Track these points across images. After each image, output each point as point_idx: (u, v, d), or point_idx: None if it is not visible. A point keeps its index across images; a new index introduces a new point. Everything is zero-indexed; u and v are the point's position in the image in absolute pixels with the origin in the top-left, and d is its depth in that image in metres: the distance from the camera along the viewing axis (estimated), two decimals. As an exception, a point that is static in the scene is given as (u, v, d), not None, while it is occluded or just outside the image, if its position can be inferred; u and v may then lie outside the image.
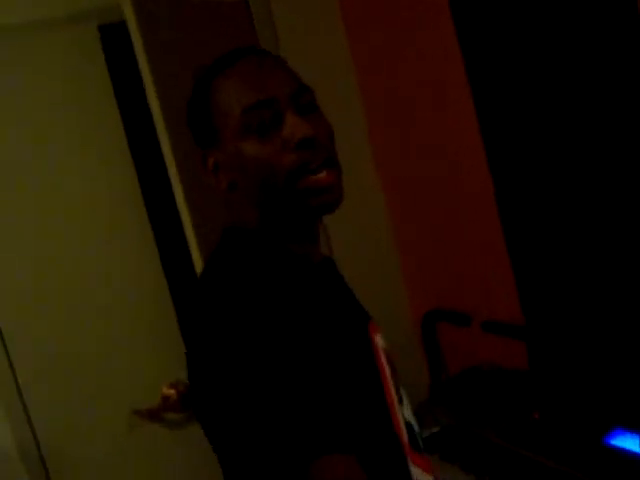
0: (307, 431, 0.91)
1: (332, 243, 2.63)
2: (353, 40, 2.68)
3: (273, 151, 1.06)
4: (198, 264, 2.24)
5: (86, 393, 2.42)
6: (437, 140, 2.45)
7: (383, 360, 1.15)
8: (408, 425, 1.17)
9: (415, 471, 1.15)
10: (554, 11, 1.90)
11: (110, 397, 2.44)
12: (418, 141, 2.55)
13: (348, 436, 0.93)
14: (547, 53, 1.95)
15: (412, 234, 2.73)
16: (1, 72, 2.29)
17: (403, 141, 2.62)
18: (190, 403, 1.19)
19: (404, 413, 1.17)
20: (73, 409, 2.40)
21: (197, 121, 1.15)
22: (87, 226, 2.43)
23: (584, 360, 1.92)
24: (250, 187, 1.10)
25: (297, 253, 1.14)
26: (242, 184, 1.11)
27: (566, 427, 1.79)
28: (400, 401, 1.17)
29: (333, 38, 2.69)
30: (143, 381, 2.46)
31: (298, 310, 1.01)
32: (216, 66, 1.15)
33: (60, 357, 2.40)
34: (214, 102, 1.11)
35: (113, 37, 2.34)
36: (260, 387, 0.94)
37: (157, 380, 2.45)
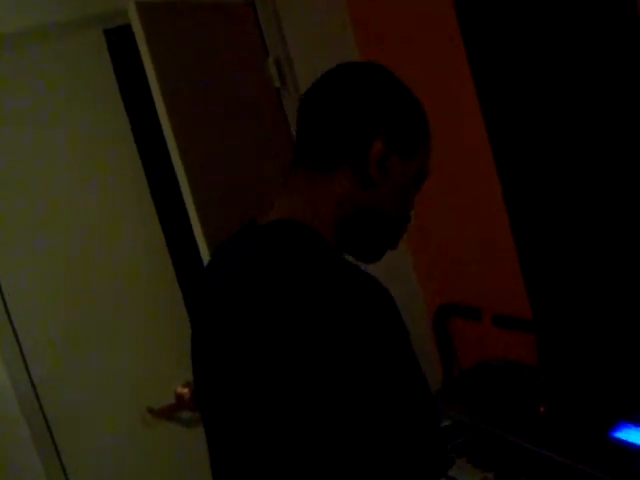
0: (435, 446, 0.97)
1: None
2: (361, 39, 2.68)
3: (409, 210, 1.27)
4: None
5: (101, 392, 2.44)
6: (446, 139, 2.45)
7: None
8: None
9: None
10: (567, 24, 1.89)
11: (125, 396, 2.47)
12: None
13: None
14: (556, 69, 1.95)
15: (423, 231, 2.73)
16: (9, 78, 2.32)
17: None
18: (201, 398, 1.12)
19: None
20: (88, 407, 2.43)
21: (411, 130, 1.20)
22: (99, 227, 2.45)
23: (590, 354, 1.92)
24: (376, 204, 1.19)
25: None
26: (382, 195, 1.18)
27: (572, 421, 1.78)
28: None
29: (341, 37, 2.69)
30: (157, 380, 2.49)
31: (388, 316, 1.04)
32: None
33: (75, 357, 2.43)
34: (427, 147, 1.25)
35: (119, 40, 2.36)
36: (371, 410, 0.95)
37: (171, 379, 2.48)
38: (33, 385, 2.37)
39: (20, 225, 2.38)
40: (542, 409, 1.87)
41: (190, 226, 2.27)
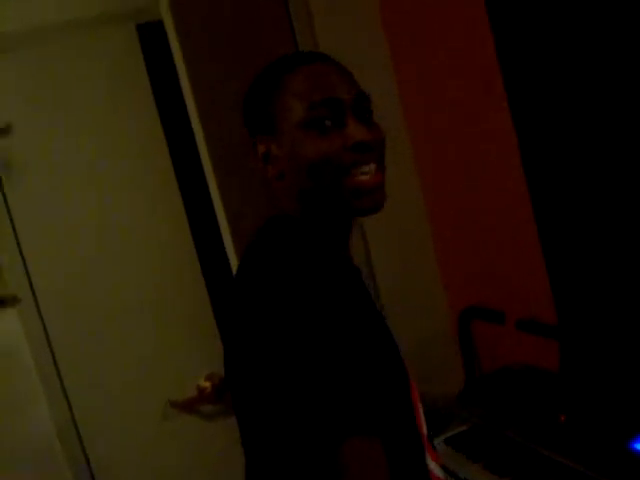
0: (339, 412, 0.96)
1: (369, 244, 2.64)
2: (391, 36, 2.67)
3: (331, 147, 1.12)
4: (233, 259, 2.28)
5: (124, 384, 2.47)
6: (474, 142, 2.44)
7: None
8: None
9: (431, 463, 1.21)
10: (597, 21, 1.86)
11: (147, 388, 2.49)
12: (456, 141, 2.53)
13: (376, 420, 0.98)
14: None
15: (449, 233, 2.72)
16: (39, 72, 2.34)
17: (441, 140, 2.61)
18: (228, 385, 1.21)
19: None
20: (111, 398, 2.46)
21: (257, 110, 1.22)
22: (125, 224, 2.48)
23: (613, 363, 1.90)
24: (299, 178, 1.15)
25: (337, 248, 1.20)
26: (291, 175, 1.16)
27: (591, 431, 1.77)
28: None
29: (372, 35, 2.68)
30: (180, 373, 2.51)
31: (341, 300, 1.05)
32: (286, 63, 1.21)
33: (99, 349, 2.45)
34: (281, 95, 1.17)
35: (151, 36, 2.38)
36: (297, 370, 0.99)
37: (193, 372, 2.49)
38: (62, 383, 2.40)
39: (51, 226, 2.41)
40: (562, 417, 1.85)
41: (216, 221, 2.29)
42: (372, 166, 1.15)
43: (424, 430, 1.22)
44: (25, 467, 2.36)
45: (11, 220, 2.36)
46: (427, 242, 2.79)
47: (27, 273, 2.38)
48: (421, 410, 1.22)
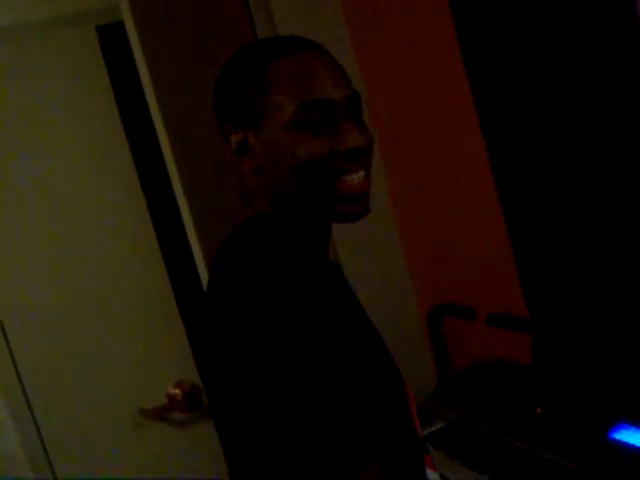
0: (345, 446, 0.88)
1: (336, 239, 2.62)
2: (356, 42, 2.66)
3: (322, 150, 1.06)
4: (201, 264, 2.24)
5: (92, 392, 2.43)
6: (440, 136, 2.44)
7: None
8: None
9: (431, 475, 1.15)
10: (565, 23, 1.87)
11: (116, 396, 2.45)
12: (422, 138, 2.53)
13: (378, 447, 0.91)
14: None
15: (417, 229, 2.72)
16: (-1, 74, 2.30)
17: (407, 139, 2.60)
18: (210, 404, 1.13)
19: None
20: (79, 408, 2.42)
21: (234, 99, 1.11)
22: (89, 226, 2.44)
23: (588, 354, 1.90)
24: (280, 177, 1.08)
25: (315, 247, 1.14)
26: (271, 172, 1.09)
27: (569, 422, 1.77)
28: None
29: (334, 34, 2.66)
30: (149, 380, 2.47)
31: (327, 310, 0.99)
32: (275, 47, 1.11)
33: (65, 357, 2.41)
34: (268, 86, 1.07)
35: (111, 37, 2.33)
36: (290, 399, 0.91)
37: (163, 380, 2.45)
38: (23, 390, 2.35)
39: (8, 227, 2.35)
40: (539, 410, 1.85)
41: (183, 226, 2.25)
42: (361, 173, 1.09)
43: (421, 437, 1.15)
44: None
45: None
46: (395, 239, 2.78)
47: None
48: (416, 414, 1.14)
